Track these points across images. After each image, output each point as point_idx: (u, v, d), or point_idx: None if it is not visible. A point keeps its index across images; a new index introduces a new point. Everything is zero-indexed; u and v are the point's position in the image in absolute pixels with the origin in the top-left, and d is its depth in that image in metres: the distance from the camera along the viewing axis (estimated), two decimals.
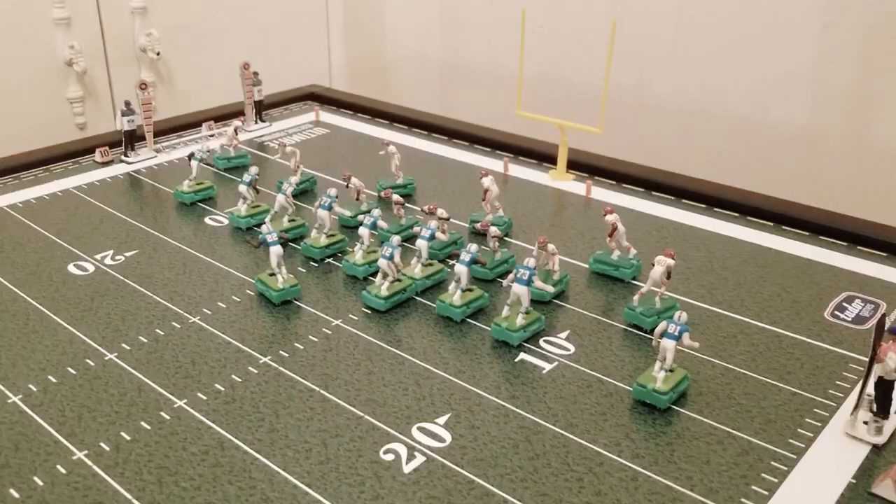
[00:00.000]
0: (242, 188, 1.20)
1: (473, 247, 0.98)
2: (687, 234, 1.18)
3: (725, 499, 0.69)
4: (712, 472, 0.72)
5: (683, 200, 1.29)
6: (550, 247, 1.00)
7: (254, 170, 1.21)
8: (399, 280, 1.00)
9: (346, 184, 1.20)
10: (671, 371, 0.82)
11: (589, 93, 1.62)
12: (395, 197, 1.15)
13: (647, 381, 0.81)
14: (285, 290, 0.99)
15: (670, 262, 0.93)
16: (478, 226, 1.14)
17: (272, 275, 1.01)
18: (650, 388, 0.80)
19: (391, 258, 0.98)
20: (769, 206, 1.23)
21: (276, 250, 0.99)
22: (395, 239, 1.00)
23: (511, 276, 0.93)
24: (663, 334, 0.81)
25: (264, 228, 1.04)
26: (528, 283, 0.91)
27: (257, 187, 1.21)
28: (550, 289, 0.97)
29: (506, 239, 1.16)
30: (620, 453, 0.75)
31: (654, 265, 0.93)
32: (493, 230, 1.04)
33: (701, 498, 0.70)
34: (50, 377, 0.85)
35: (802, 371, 0.87)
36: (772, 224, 1.21)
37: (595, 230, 1.18)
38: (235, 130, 1.44)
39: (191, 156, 1.30)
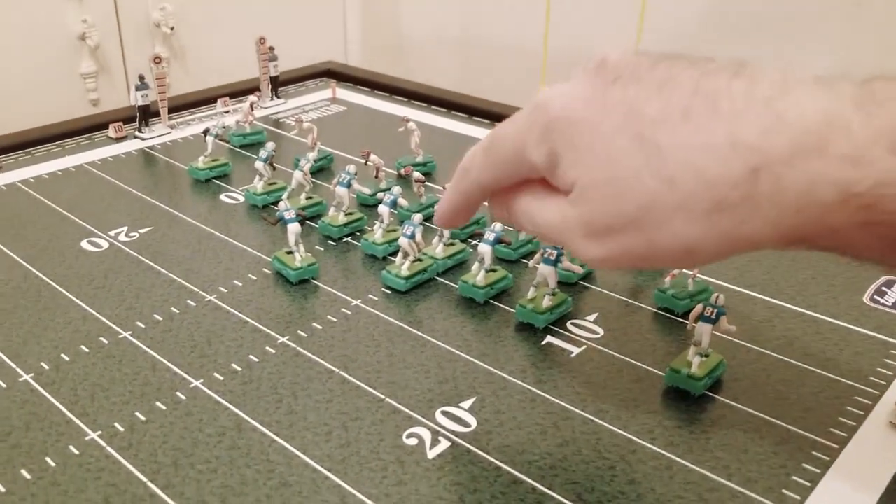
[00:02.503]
0: (259, 165, 1.17)
1: (498, 226, 0.95)
2: None
3: (765, 489, 0.66)
4: (750, 462, 0.69)
5: None
6: None
7: (270, 146, 1.18)
8: (420, 260, 0.97)
9: (364, 161, 1.17)
10: (706, 356, 0.78)
11: None
12: (416, 174, 1.11)
13: (681, 365, 0.78)
14: (303, 268, 0.96)
15: None
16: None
17: (289, 253, 0.98)
18: (685, 373, 0.77)
19: (412, 237, 0.95)
20: None
21: (293, 228, 0.96)
22: (417, 217, 0.97)
23: (538, 256, 0.90)
24: (699, 317, 0.78)
25: (282, 206, 1.01)
26: (556, 263, 0.88)
27: (274, 164, 1.18)
28: (579, 269, 0.94)
29: None
30: (654, 441, 0.72)
31: None
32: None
33: (739, 488, 0.66)
34: (63, 355, 0.83)
35: (842, 357, 0.83)
36: None
37: None
38: (251, 106, 1.41)
39: (206, 131, 1.27)
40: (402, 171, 1.19)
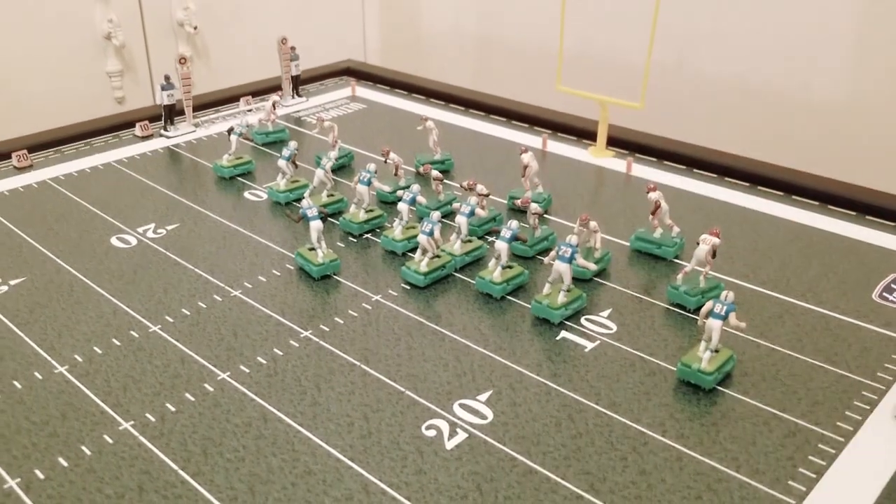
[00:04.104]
0: (281, 163, 1.20)
1: (514, 223, 0.97)
2: (730, 212, 1.16)
3: (772, 480, 0.69)
4: (758, 454, 0.71)
5: (727, 178, 1.27)
6: (592, 224, 0.99)
7: (293, 145, 1.21)
8: (438, 256, 1.00)
9: (384, 159, 1.20)
10: (716, 351, 0.80)
11: (630, 68, 1.60)
12: (435, 173, 1.14)
13: (691, 360, 0.80)
14: (325, 264, 0.99)
15: (716, 240, 0.91)
16: (517, 202, 1.13)
17: (312, 249, 1.01)
18: (695, 368, 0.79)
19: (431, 234, 0.98)
20: (815, 184, 1.21)
21: (315, 225, 0.99)
22: (436, 215, 0.99)
23: (553, 253, 0.92)
24: (709, 314, 0.80)
25: (304, 203, 1.04)
26: (571, 260, 0.90)
27: (296, 162, 1.21)
28: (593, 266, 0.96)
29: (546, 216, 1.15)
30: (664, 433, 0.74)
31: (698, 244, 0.92)
32: (534, 207, 1.04)
33: (746, 479, 0.69)
34: (95, 348, 0.86)
35: (850, 353, 0.85)
36: (818, 203, 1.18)
37: (636, 208, 1.17)
38: (273, 105, 1.44)
39: (230, 130, 1.30)
40: (421, 170, 1.21)
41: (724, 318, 0.80)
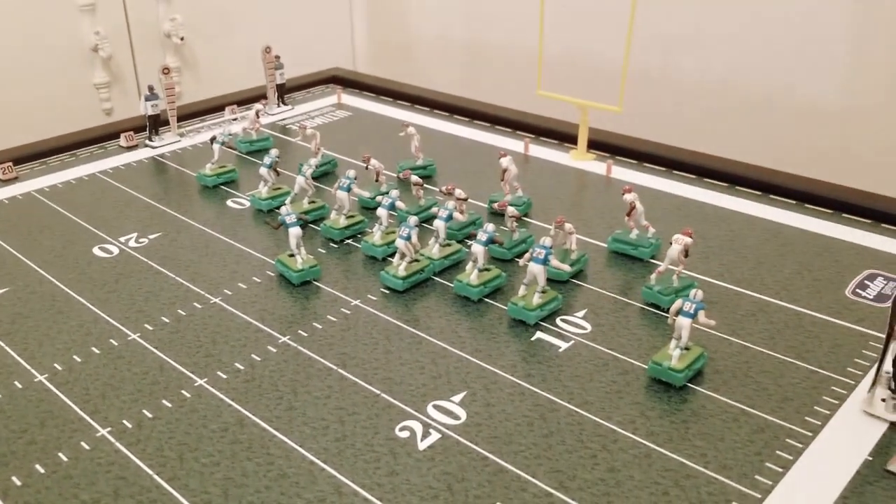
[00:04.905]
0: (263, 171, 1.21)
1: (490, 226, 0.98)
2: (708, 212, 1.17)
3: (739, 475, 0.69)
4: (726, 449, 0.72)
5: (705, 179, 1.28)
6: (568, 226, 1.00)
7: (274, 152, 1.22)
8: (417, 260, 1.01)
9: (365, 166, 1.21)
10: (687, 349, 0.81)
11: (611, 72, 1.61)
12: (414, 178, 1.15)
13: (662, 359, 0.81)
14: (304, 270, 1.00)
15: (688, 240, 0.92)
16: (496, 206, 1.14)
17: (291, 256, 1.02)
18: (665, 365, 0.80)
19: (409, 238, 0.99)
20: (791, 183, 1.22)
21: (294, 231, 1.00)
22: (413, 219, 1.00)
23: (528, 255, 0.93)
24: (679, 312, 0.81)
25: (283, 210, 1.05)
26: (545, 262, 0.91)
27: (278, 169, 1.22)
28: (567, 268, 0.97)
29: (525, 219, 1.16)
30: (635, 430, 0.75)
31: (671, 244, 0.93)
32: (511, 210, 1.05)
33: (714, 475, 0.70)
34: (75, 356, 0.87)
35: (821, 349, 0.86)
36: (794, 202, 1.19)
37: (615, 210, 1.18)
38: (257, 114, 1.45)
39: (213, 139, 1.31)
40: (401, 175, 1.23)
41: (693, 315, 0.81)
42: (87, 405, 0.80)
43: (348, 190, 1.11)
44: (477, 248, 0.97)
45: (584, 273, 1.02)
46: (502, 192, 1.18)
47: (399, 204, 1.09)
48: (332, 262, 1.06)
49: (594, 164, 1.35)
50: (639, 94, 1.51)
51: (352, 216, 1.13)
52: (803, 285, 0.98)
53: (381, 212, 1.07)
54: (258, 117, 1.46)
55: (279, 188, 1.23)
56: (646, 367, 0.83)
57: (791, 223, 1.13)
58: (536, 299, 0.92)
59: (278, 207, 1.19)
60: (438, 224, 1.04)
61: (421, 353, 0.87)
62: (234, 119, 1.57)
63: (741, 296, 0.96)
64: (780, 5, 1.68)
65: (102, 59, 1.93)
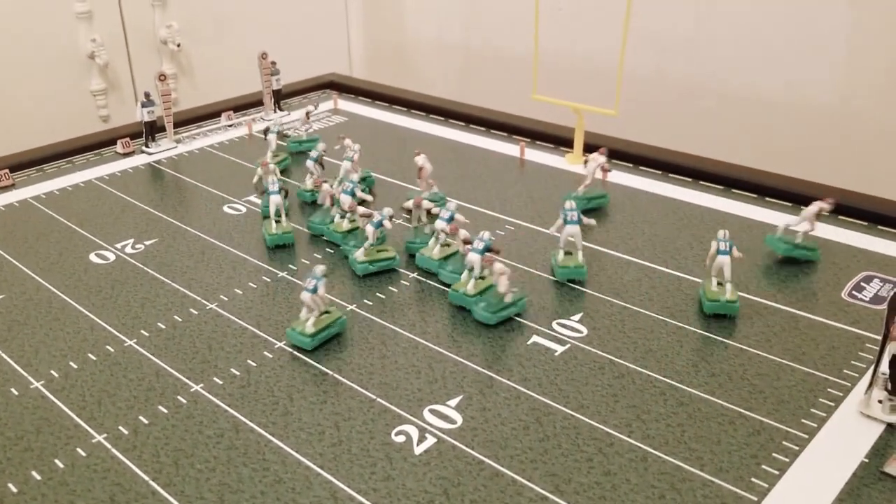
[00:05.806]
0: (309, 163, 1.25)
1: (486, 234, 0.98)
2: (704, 215, 1.17)
3: (735, 478, 0.69)
4: (722, 452, 0.72)
5: (701, 182, 1.28)
6: (498, 266, 0.94)
7: (321, 146, 1.27)
8: (328, 312, 0.92)
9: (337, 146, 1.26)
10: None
11: (607, 75, 1.61)
12: (426, 203, 1.12)
13: (715, 296, 0.92)
14: (278, 234, 1.09)
15: (602, 158, 1.17)
16: (408, 203, 1.16)
17: (278, 221, 1.11)
18: (723, 300, 0.91)
19: (315, 291, 0.90)
20: (786, 185, 1.22)
21: (274, 199, 1.11)
22: (319, 269, 0.91)
23: (467, 246, 0.97)
24: (717, 252, 0.93)
25: (270, 179, 1.13)
26: (483, 252, 0.96)
27: (323, 162, 1.26)
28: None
29: (524, 224, 1.16)
30: (631, 434, 0.75)
31: (585, 163, 1.13)
32: (426, 203, 1.10)
33: (710, 477, 0.70)
34: (71, 363, 0.87)
35: (817, 351, 0.86)
36: (790, 205, 1.19)
37: (614, 210, 1.18)
38: (307, 115, 1.49)
39: (266, 130, 1.35)
40: (411, 204, 1.17)
41: (729, 252, 0.93)
42: (83, 411, 0.80)
43: (378, 226, 1.04)
44: (473, 258, 0.97)
45: (582, 277, 1.02)
46: (420, 189, 1.20)
47: (387, 224, 1.04)
48: (330, 266, 1.06)
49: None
50: (634, 98, 1.51)
51: (385, 250, 1.07)
52: (799, 287, 0.98)
53: (369, 229, 1.04)
54: (308, 118, 1.49)
55: (325, 181, 1.19)
56: (642, 370, 0.83)
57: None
58: (471, 287, 0.96)
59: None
60: (369, 229, 1.04)
61: (417, 358, 0.87)
62: (230, 125, 1.58)
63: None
64: (774, 9, 1.68)
65: (99, 66, 1.93)
